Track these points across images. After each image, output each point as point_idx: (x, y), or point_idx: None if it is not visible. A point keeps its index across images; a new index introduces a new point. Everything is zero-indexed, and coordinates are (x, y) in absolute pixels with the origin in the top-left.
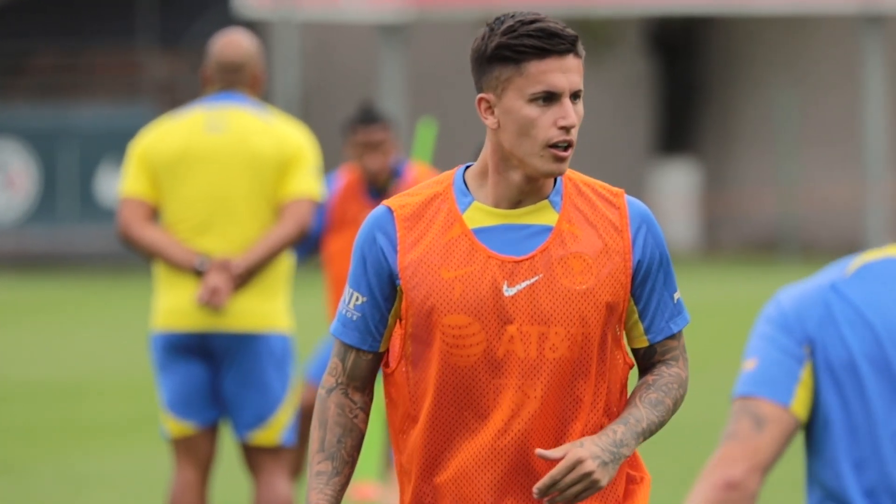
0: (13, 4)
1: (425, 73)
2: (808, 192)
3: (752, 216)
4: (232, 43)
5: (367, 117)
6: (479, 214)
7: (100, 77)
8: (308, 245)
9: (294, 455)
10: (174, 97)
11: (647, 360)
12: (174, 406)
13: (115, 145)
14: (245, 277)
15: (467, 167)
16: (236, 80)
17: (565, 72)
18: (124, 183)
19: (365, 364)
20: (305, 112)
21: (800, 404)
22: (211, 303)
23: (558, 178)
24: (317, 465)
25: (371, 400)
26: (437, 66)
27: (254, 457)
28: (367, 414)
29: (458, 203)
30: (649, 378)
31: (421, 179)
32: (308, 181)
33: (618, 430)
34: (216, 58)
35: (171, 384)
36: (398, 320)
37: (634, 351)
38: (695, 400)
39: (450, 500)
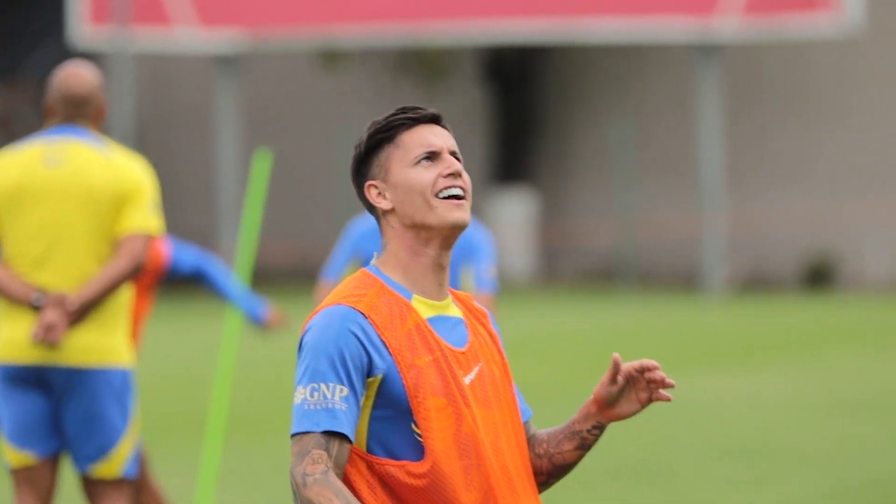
0: None
1: (261, 104)
2: (645, 221)
3: (589, 245)
4: (76, 75)
5: None
6: (422, 306)
7: None
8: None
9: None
10: (11, 130)
11: None
12: (14, 436)
13: None
14: (80, 313)
15: (375, 266)
16: (78, 113)
17: (437, 135)
18: None
19: (346, 453)
20: (141, 144)
21: None
22: (46, 339)
23: None
24: None
25: None
26: (272, 97)
27: (95, 489)
28: None
29: (402, 295)
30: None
31: None
32: (145, 216)
33: None
34: (59, 90)
35: (10, 414)
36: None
37: None
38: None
39: None
